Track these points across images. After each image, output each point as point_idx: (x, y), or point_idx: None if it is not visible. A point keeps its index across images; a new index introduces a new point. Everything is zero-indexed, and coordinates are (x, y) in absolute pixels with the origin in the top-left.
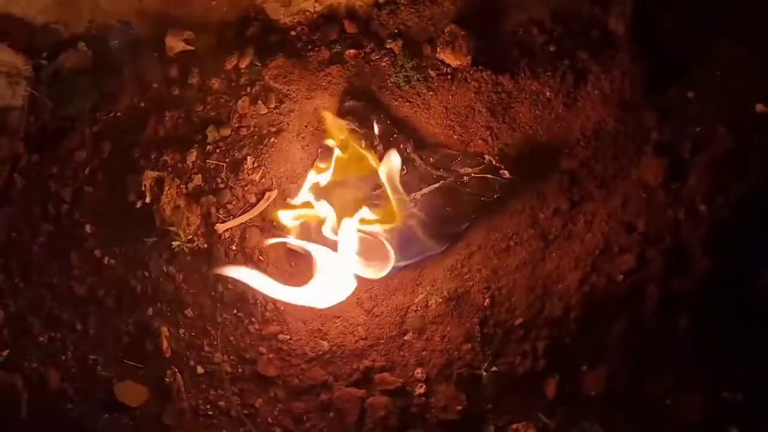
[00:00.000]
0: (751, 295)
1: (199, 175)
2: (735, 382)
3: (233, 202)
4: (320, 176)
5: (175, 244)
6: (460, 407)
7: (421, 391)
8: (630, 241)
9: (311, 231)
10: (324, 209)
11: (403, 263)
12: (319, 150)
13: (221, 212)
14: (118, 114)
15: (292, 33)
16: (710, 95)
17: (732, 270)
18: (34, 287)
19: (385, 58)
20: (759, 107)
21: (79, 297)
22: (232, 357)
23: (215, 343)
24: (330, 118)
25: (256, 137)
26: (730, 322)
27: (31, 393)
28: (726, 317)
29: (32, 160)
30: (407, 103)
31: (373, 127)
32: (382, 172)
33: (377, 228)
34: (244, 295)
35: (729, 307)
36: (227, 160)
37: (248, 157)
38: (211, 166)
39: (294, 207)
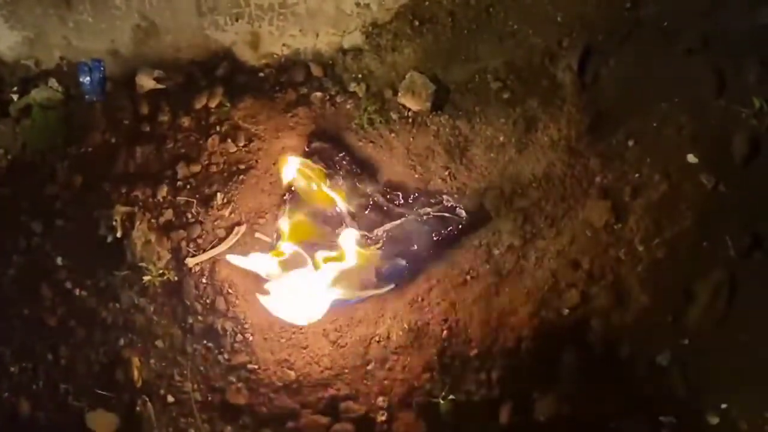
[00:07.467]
0: None
1: (170, 210)
2: (671, 406)
3: (203, 237)
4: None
5: (146, 278)
6: None
7: (383, 419)
8: (575, 277)
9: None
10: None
11: (365, 295)
12: (287, 195)
13: (191, 246)
14: (89, 149)
15: (260, 74)
16: (647, 145)
17: (666, 306)
18: (5, 318)
19: (350, 101)
20: (690, 157)
21: (50, 327)
22: (201, 386)
23: (185, 372)
24: (295, 162)
25: (225, 174)
26: (665, 353)
27: (2, 422)
28: (661, 349)
29: (3, 193)
30: (370, 144)
31: (337, 167)
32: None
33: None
34: (213, 327)
35: (664, 340)
36: (197, 195)
37: (218, 193)
38: (182, 202)
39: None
